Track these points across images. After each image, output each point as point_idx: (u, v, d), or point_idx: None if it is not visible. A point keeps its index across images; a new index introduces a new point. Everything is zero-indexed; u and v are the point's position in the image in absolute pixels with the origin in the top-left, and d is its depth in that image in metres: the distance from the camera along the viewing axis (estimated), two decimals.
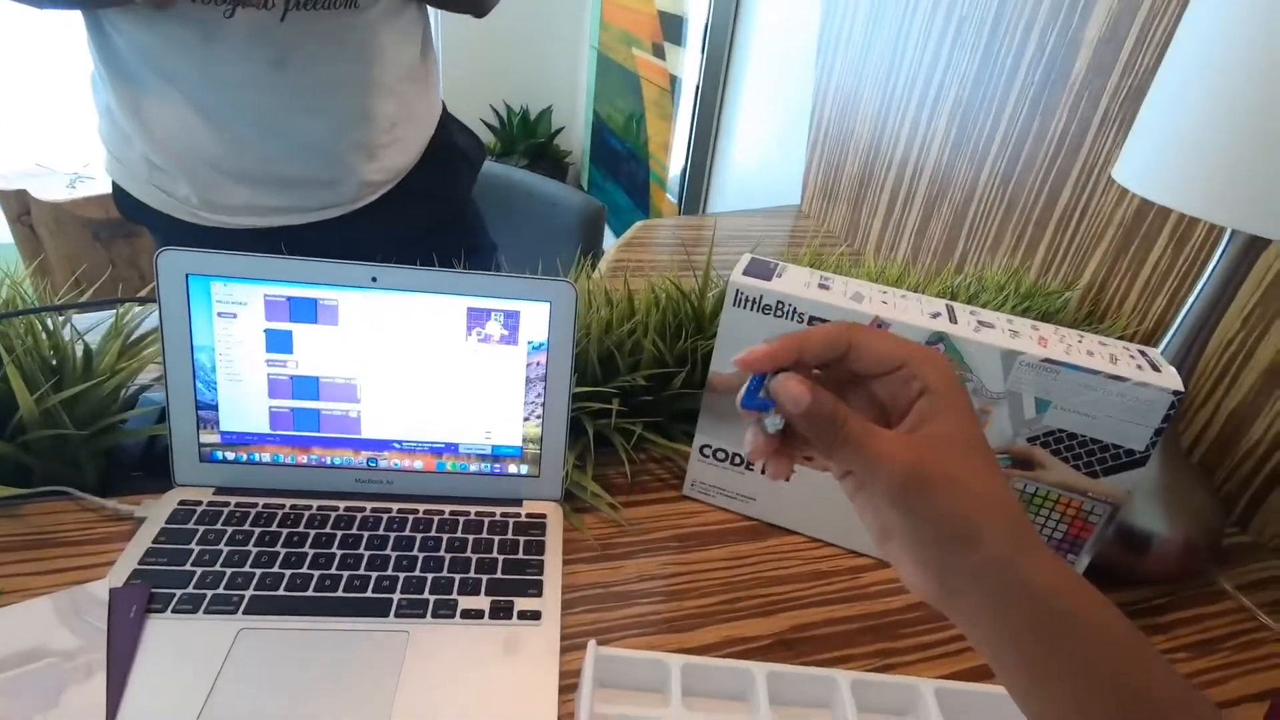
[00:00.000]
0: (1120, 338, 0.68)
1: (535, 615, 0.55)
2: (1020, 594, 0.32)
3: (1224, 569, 0.70)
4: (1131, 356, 0.56)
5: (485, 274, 0.60)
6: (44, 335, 0.61)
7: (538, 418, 0.64)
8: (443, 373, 0.61)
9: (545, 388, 0.63)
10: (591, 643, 0.48)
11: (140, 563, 0.55)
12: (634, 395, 0.71)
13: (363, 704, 0.48)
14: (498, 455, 0.65)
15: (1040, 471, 0.59)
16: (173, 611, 0.52)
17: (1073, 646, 0.31)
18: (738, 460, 0.67)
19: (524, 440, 0.64)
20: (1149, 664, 0.31)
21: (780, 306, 0.60)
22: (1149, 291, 0.89)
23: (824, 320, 0.59)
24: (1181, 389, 0.53)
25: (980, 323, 0.58)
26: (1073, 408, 0.56)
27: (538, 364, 0.62)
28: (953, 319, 0.58)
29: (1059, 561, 0.33)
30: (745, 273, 0.61)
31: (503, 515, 0.64)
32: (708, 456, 0.68)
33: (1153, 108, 0.59)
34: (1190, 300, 0.61)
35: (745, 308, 0.60)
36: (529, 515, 0.64)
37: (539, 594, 0.57)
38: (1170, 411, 0.54)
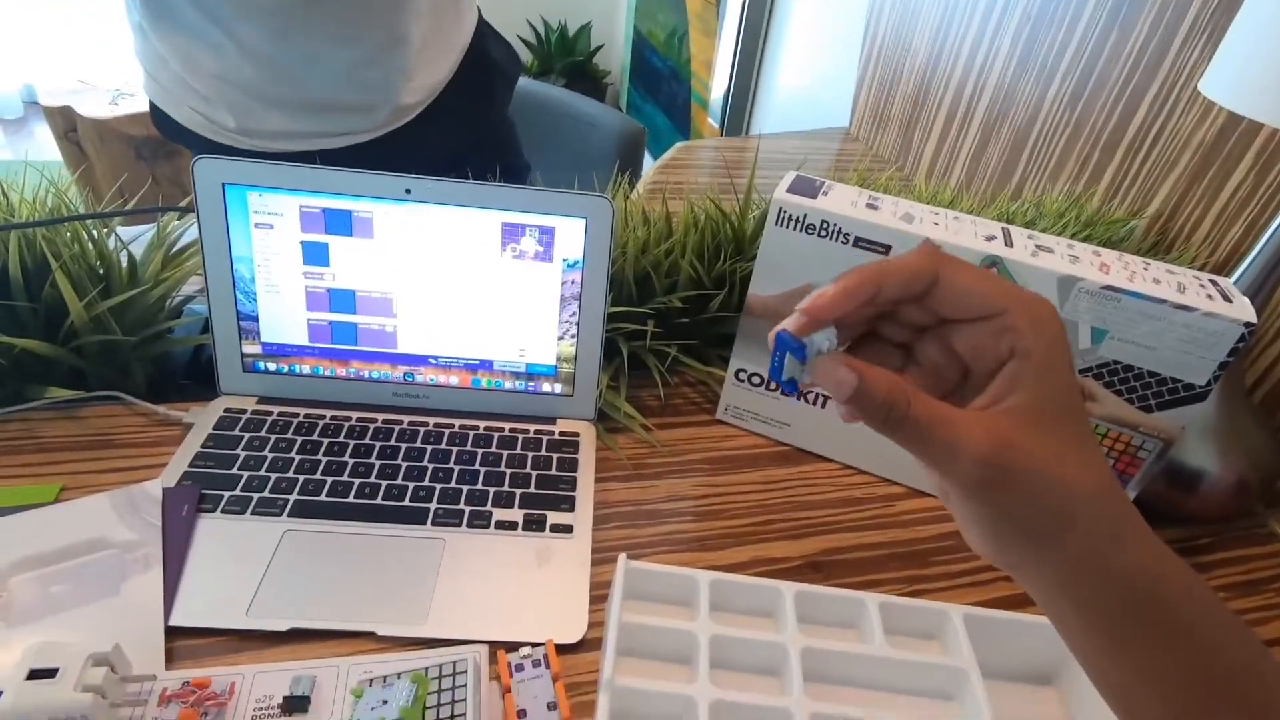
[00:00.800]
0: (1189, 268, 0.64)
1: (567, 529, 0.56)
2: (1111, 582, 0.29)
3: (1275, 511, 0.68)
4: (1201, 286, 0.53)
5: (520, 187, 0.58)
6: (90, 244, 0.62)
7: (572, 337, 0.63)
8: (477, 289, 0.61)
9: (580, 306, 0.62)
10: (622, 556, 0.49)
11: (190, 465, 0.57)
12: (670, 317, 0.70)
13: (402, 602, 0.49)
14: (532, 374, 0.65)
15: (1090, 405, 0.57)
16: (222, 512, 0.54)
17: (1162, 629, 0.29)
18: (774, 386, 0.66)
19: (558, 359, 0.64)
20: (1241, 646, 0.29)
21: (825, 226, 0.57)
22: (1224, 219, 0.84)
23: (873, 244, 0.56)
24: (1254, 320, 0.50)
25: (1038, 247, 0.55)
26: (1131, 339, 0.53)
27: (572, 282, 0.61)
28: (1009, 242, 0.55)
29: (1153, 542, 0.29)
30: (790, 190, 0.58)
31: (536, 433, 0.64)
32: (742, 381, 0.67)
33: (1250, 14, 0.53)
34: (1272, 228, 0.57)
35: (788, 227, 0.58)
36: (562, 434, 0.65)
37: (571, 509, 0.58)
38: (1238, 344, 0.51)
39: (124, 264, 0.63)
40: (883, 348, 0.33)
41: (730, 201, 0.75)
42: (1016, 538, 0.29)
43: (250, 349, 0.62)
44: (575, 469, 0.61)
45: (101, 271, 0.62)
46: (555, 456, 0.62)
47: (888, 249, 0.56)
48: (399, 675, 0.43)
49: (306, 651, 0.47)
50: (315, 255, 0.59)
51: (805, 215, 0.57)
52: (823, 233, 0.57)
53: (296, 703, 0.43)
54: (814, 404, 0.65)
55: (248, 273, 0.60)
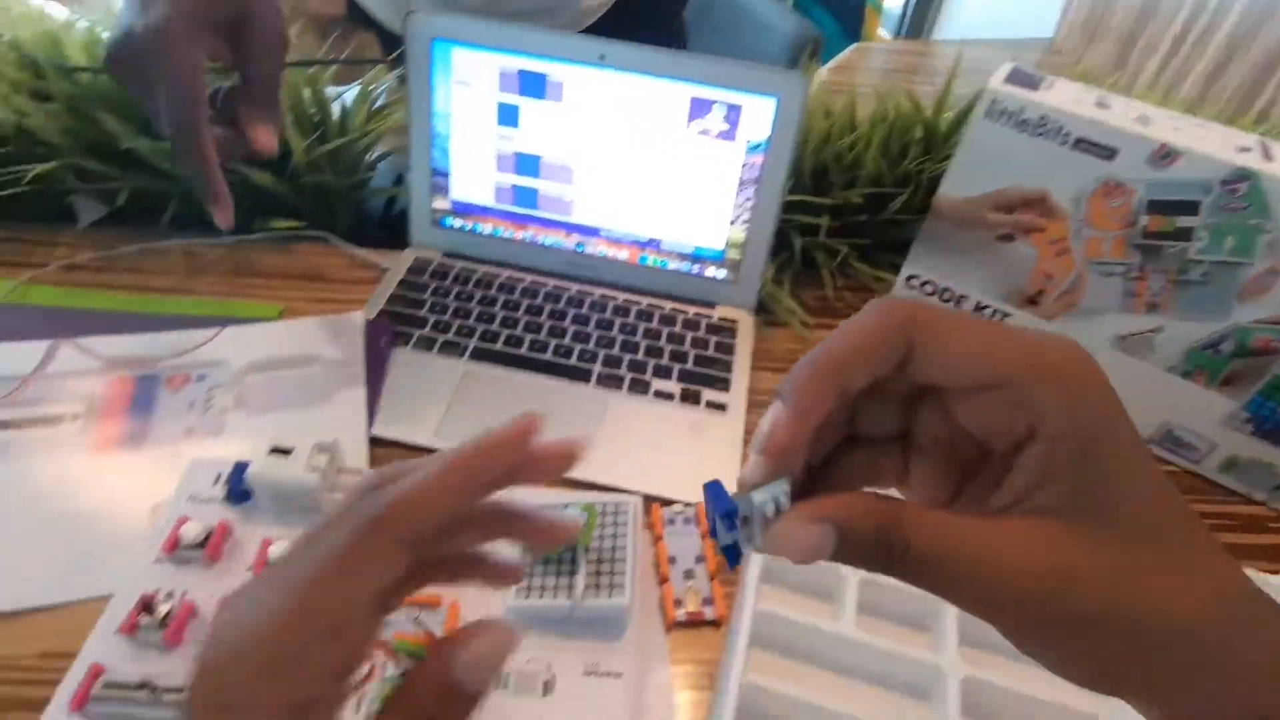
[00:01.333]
0: None
1: (721, 407, 0.58)
2: (1239, 700, 0.20)
3: None
4: None
5: (714, 58, 0.57)
6: (307, 93, 0.67)
7: (744, 222, 0.62)
8: (657, 163, 0.61)
9: (757, 191, 0.61)
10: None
11: (386, 305, 0.62)
12: (844, 214, 0.67)
13: None
14: (698, 256, 0.65)
15: None
16: (412, 347, 0.59)
17: None
18: (947, 295, 0.63)
19: (727, 244, 0.64)
20: None
21: (1043, 123, 0.52)
22: None
23: (1096, 146, 0.51)
24: None
25: None
26: None
27: (753, 165, 0.60)
28: (1267, 155, 0.48)
29: None
30: (1007, 81, 0.53)
31: (695, 314, 0.65)
32: (914, 288, 0.64)
33: None
34: None
35: (1001, 121, 0.53)
36: (721, 319, 0.65)
37: (726, 389, 0.59)
38: None
39: (335, 115, 0.68)
40: (867, 453, 0.24)
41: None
42: (1105, 687, 0.21)
43: (440, 204, 0.66)
44: (732, 353, 0.62)
45: (317, 120, 0.67)
46: (713, 339, 0.63)
47: (1112, 154, 0.51)
48: (566, 505, 0.47)
49: None
50: (507, 116, 0.61)
51: (1023, 109, 0.52)
52: (1039, 130, 0.52)
53: None
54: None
55: (444, 130, 0.63)
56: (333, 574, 0.21)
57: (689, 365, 0.61)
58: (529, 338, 0.61)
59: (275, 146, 0.50)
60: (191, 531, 0.44)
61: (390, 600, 0.23)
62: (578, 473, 0.52)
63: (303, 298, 0.64)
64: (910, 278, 0.64)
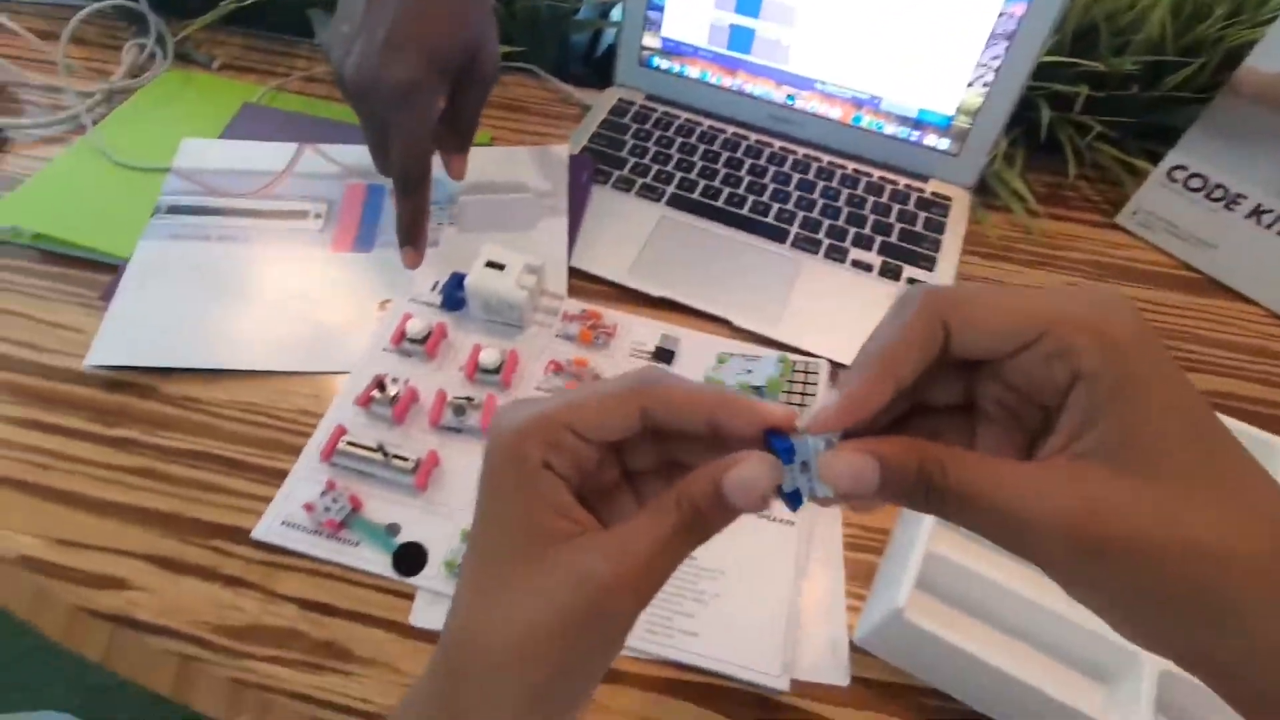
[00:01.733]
0: None
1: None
2: None
3: None
4: None
5: None
6: None
7: (984, 85, 0.55)
8: (892, 6, 0.55)
9: (1009, 48, 0.53)
10: None
11: (589, 141, 0.62)
12: (1107, 85, 0.58)
13: (758, 303, 0.52)
14: (921, 121, 0.59)
15: None
16: (612, 186, 0.59)
17: None
18: (1219, 194, 0.54)
19: (957, 110, 0.57)
20: None
21: None
22: None
23: None
24: None
25: None
26: None
27: (1011, 16, 0.52)
28: None
29: None
30: None
31: (906, 186, 0.60)
32: (1176, 181, 0.55)
33: None
34: None
35: None
36: (934, 194, 0.60)
37: (931, 268, 0.55)
38: None
39: None
40: (934, 421, 0.24)
41: None
42: (1154, 632, 0.20)
43: (650, 41, 0.64)
44: (941, 231, 0.58)
45: None
46: (922, 215, 0.58)
47: None
48: (759, 357, 0.47)
49: (671, 319, 0.52)
50: None
51: None
52: None
53: (665, 354, 0.49)
54: (1258, 224, 0.53)
55: None
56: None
57: (893, 239, 0.57)
58: (727, 190, 0.59)
59: (464, 176, 0.53)
60: (415, 327, 0.48)
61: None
62: (765, 330, 0.52)
63: (509, 127, 0.65)
64: (1175, 169, 0.55)
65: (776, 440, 0.22)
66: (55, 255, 0.53)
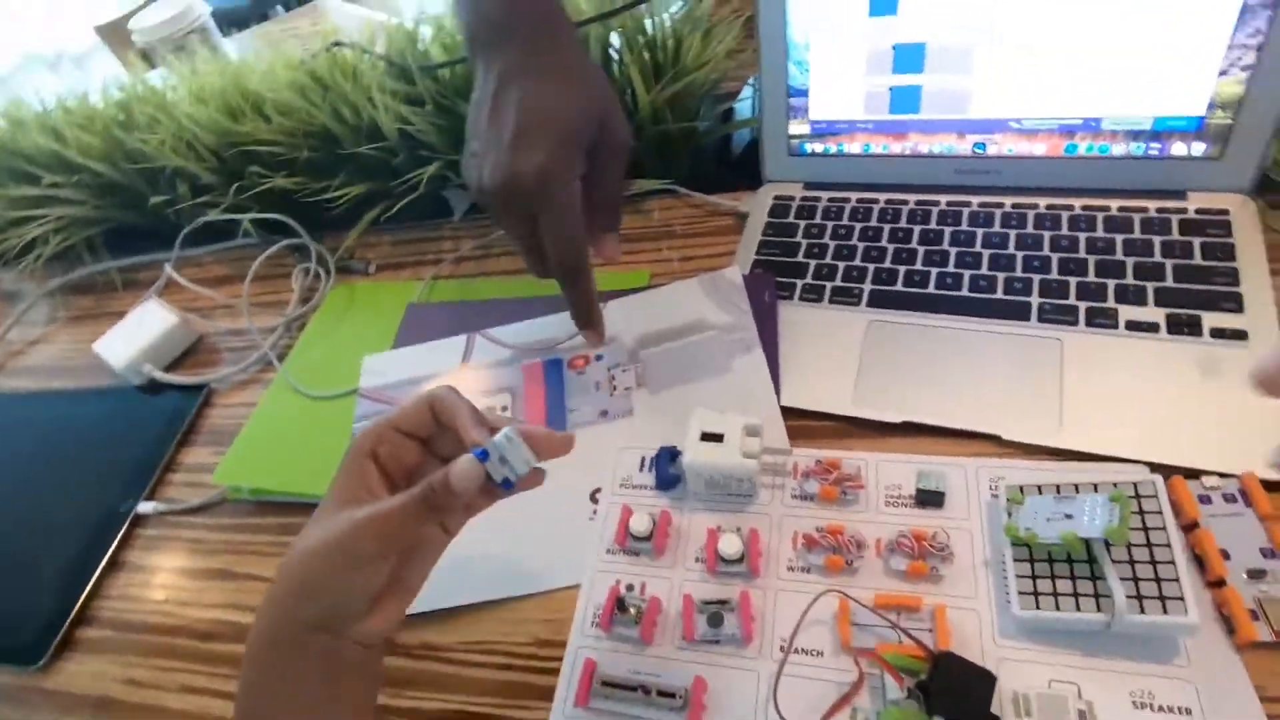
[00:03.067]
0: None
1: (1239, 334, 0.42)
2: None
3: None
4: None
5: None
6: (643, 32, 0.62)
7: (1244, 69, 0.44)
8: (1092, 12, 0.45)
9: (1273, 19, 0.42)
10: None
11: (757, 254, 0.56)
12: None
13: (1025, 405, 0.43)
14: (1159, 130, 0.48)
15: None
16: (799, 299, 0.52)
17: None
18: None
19: (1210, 106, 0.46)
20: None
21: None
22: None
23: None
24: None
25: None
26: None
27: None
28: None
29: None
30: None
31: (1159, 211, 0.49)
32: None
33: None
34: None
35: None
36: (1200, 211, 0.48)
37: (1238, 309, 0.43)
38: None
39: (670, 48, 0.62)
40: None
41: None
42: None
43: (798, 129, 0.57)
44: (1233, 256, 0.46)
45: (649, 58, 0.62)
46: (1197, 241, 0.47)
47: None
48: (1075, 489, 0.37)
49: (920, 446, 0.44)
50: (882, 2, 0.50)
51: None
52: None
53: (931, 496, 0.41)
54: None
55: (802, 39, 0.53)
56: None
57: (1168, 282, 0.46)
58: (935, 272, 0.51)
59: (619, 257, 0.50)
60: (640, 523, 0.43)
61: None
62: (1046, 440, 0.42)
63: (664, 259, 0.61)
64: None
65: (475, 450, 0.32)
66: (275, 505, 0.54)
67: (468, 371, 0.56)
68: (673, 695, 0.37)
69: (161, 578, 0.53)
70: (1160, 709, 0.33)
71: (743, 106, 0.69)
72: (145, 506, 0.56)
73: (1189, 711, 0.32)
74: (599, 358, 0.53)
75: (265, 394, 0.61)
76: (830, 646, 0.38)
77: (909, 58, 0.51)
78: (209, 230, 0.74)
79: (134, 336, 0.67)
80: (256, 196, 0.69)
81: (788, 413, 0.47)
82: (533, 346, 0.56)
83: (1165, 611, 0.32)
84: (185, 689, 0.47)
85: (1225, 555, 0.35)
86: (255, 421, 0.58)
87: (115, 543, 0.55)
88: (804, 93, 0.55)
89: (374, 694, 0.35)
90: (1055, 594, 0.35)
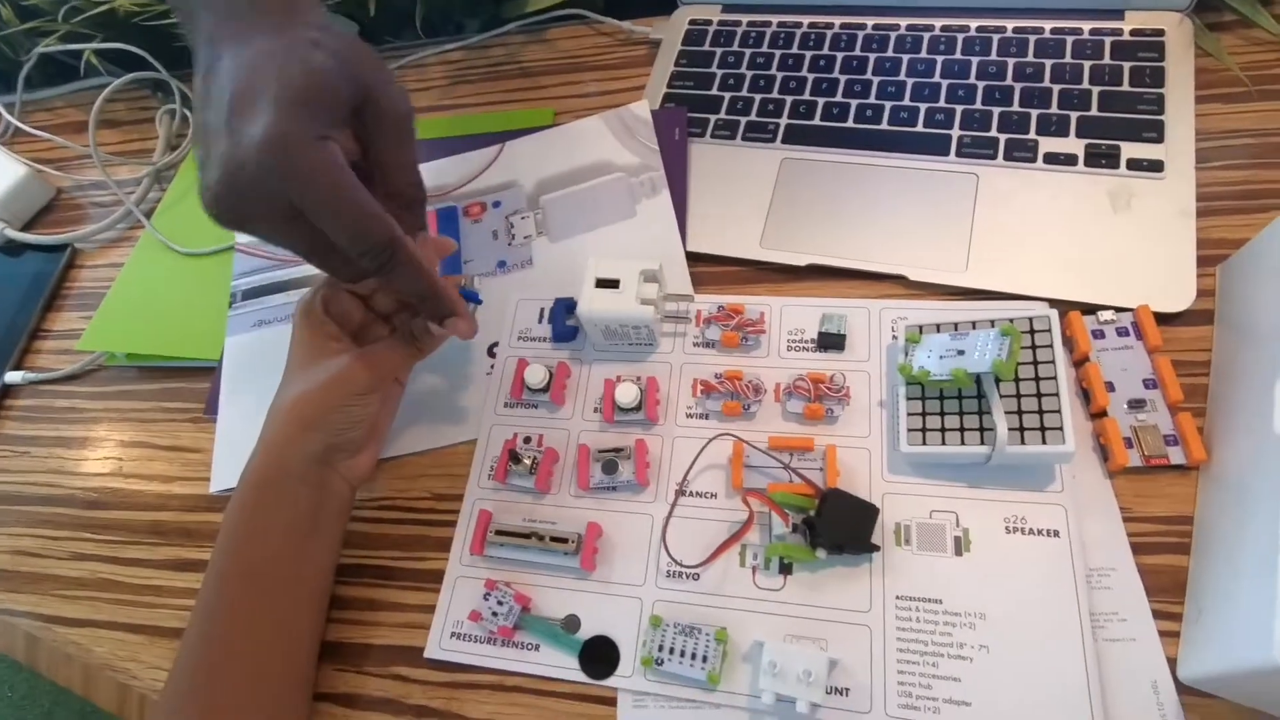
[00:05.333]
0: None
1: (1155, 165, 0.41)
2: None
3: None
4: None
5: None
6: None
7: None
8: None
9: None
10: None
11: (669, 86, 0.51)
12: None
13: (932, 244, 0.41)
14: None
15: None
16: (711, 136, 0.48)
17: None
18: None
19: None
20: None
21: None
22: None
23: None
24: None
25: None
26: None
27: None
28: None
29: None
30: None
31: (1093, 33, 0.46)
32: None
33: None
34: None
35: None
36: (1134, 33, 0.45)
37: (1159, 138, 0.41)
38: None
39: None
40: None
41: None
42: None
43: None
44: (1161, 82, 0.43)
45: None
46: (1127, 66, 0.44)
47: None
48: (972, 325, 0.36)
49: (827, 289, 0.42)
50: None
51: None
52: None
53: (832, 339, 0.40)
54: None
55: None
56: None
57: (1092, 110, 0.43)
58: (855, 104, 0.47)
59: (435, 259, 0.39)
60: (536, 375, 0.41)
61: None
62: (951, 279, 0.41)
63: (573, 93, 0.55)
64: None
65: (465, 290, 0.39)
66: (156, 370, 0.50)
67: None
68: (565, 540, 0.37)
69: (39, 449, 0.50)
70: (1030, 531, 0.34)
71: None
72: (13, 376, 0.52)
73: (1056, 533, 0.33)
74: (496, 205, 0.49)
75: (133, 252, 0.55)
76: (724, 489, 0.38)
77: None
78: (53, 68, 0.65)
79: None
80: (96, 22, 0.59)
81: (694, 258, 0.45)
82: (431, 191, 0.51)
83: (1044, 442, 0.33)
84: (75, 555, 0.45)
85: (1110, 387, 0.36)
86: (123, 282, 0.53)
87: None
88: None
89: (341, 537, 0.39)
90: (943, 429, 0.35)
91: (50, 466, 0.49)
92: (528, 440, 0.41)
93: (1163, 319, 0.37)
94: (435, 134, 0.54)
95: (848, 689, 0.32)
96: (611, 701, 0.34)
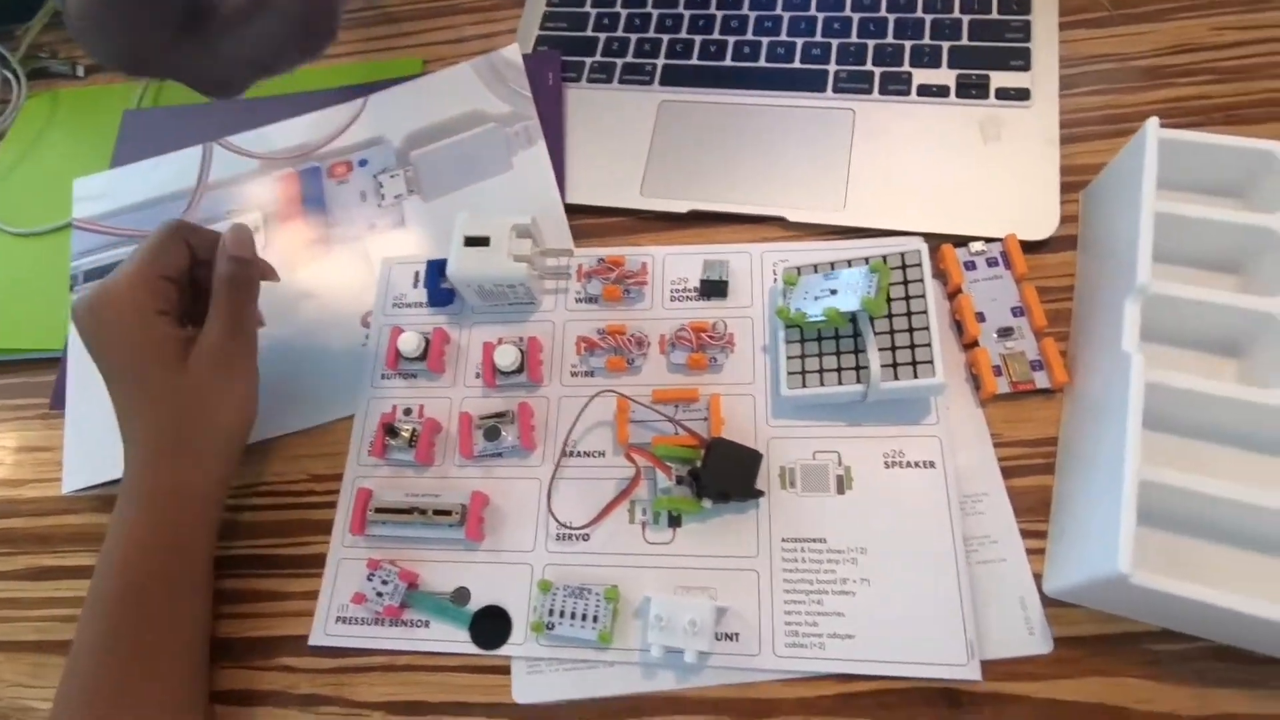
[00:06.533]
0: None
1: (1022, 94, 0.41)
2: None
3: None
4: None
5: None
6: None
7: None
8: None
9: None
10: (1152, 120, 0.33)
11: (540, 28, 0.48)
12: None
13: (811, 184, 0.41)
14: None
15: None
16: (587, 81, 0.46)
17: None
18: None
19: None
20: None
21: None
22: None
23: None
24: None
25: None
26: None
27: None
28: None
29: None
30: None
31: None
32: None
33: None
34: None
35: None
36: None
37: (1025, 66, 0.41)
38: None
39: None
40: None
41: None
42: None
43: None
44: (1028, 9, 0.43)
45: None
46: None
47: None
48: (848, 264, 0.36)
49: (709, 235, 0.41)
50: None
51: None
52: None
53: (714, 287, 0.39)
54: None
55: None
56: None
57: (963, 40, 0.43)
58: (732, 41, 0.45)
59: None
60: (410, 342, 0.39)
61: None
62: (829, 219, 0.40)
63: (443, 39, 0.51)
64: None
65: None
66: None
67: (205, 193, 0.47)
68: (449, 513, 0.35)
69: None
70: (907, 465, 0.34)
71: None
72: None
73: (932, 464, 0.34)
74: (363, 163, 0.46)
75: None
76: (611, 447, 0.37)
77: None
78: None
79: None
80: None
81: (573, 210, 0.43)
82: (285, 154, 0.47)
83: (916, 376, 0.33)
84: None
85: (981, 318, 0.36)
86: None
87: None
88: None
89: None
90: (821, 370, 0.35)
91: None
92: (408, 412, 0.39)
93: (1030, 247, 0.38)
94: (293, 88, 0.49)
95: (737, 634, 0.32)
96: (506, 670, 0.34)
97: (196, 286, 0.37)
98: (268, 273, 0.38)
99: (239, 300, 0.35)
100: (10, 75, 0.55)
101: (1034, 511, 0.33)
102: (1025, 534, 0.33)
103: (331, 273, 0.44)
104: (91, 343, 0.34)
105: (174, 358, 0.34)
